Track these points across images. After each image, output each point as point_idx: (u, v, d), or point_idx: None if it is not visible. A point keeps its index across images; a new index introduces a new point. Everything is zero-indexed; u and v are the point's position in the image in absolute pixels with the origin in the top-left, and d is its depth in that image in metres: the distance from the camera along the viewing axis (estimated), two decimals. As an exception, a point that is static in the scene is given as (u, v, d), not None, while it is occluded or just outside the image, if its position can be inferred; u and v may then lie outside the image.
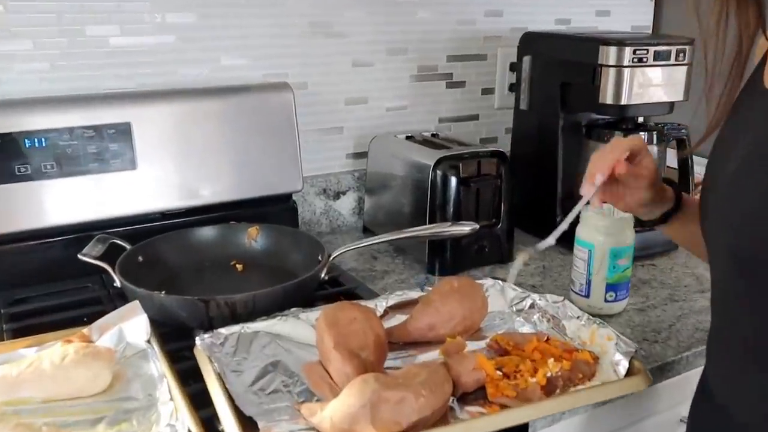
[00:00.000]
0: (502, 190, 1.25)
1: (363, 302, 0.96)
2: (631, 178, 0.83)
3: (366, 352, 0.80)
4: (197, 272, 1.13)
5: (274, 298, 0.95)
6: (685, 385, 1.07)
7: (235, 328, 0.89)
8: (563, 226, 0.86)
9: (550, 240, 0.88)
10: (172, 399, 0.76)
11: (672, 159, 1.40)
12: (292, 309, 0.94)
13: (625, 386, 0.78)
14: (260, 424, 0.71)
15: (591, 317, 0.90)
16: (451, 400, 0.76)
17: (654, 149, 1.30)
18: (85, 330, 0.87)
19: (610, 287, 1.05)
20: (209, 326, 0.92)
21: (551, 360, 0.79)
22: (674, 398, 0.98)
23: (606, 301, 1.06)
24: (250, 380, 0.80)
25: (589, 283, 1.06)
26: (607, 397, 0.77)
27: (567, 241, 1.24)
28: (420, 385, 0.71)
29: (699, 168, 1.18)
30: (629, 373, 0.80)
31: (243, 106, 1.23)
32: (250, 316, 0.92)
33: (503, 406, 0.76)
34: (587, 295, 1.07)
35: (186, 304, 0.92)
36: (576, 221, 0.96)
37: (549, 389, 0.78)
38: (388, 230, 1.22)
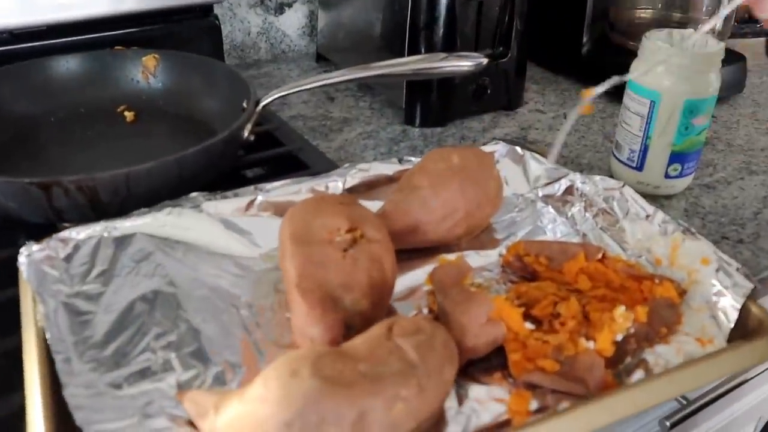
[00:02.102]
0: (515, 4, 0.86)
1: (315, 180, 0.61)
2: None
3: (354, 295, 0.46)
4: (64, 126, 0.75)
5: (164, 175, 0.59)
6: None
7: (93, 229, 0.54)
8: None
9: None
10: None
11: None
12: (192, 194, 0.58)
13: (747, 356, 0.45)
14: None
15: (668, 218, 0.56)
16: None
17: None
18: None
19: (676, 157, 0.71)
20: (55, 223, 0.57)
21: (620, 308, 0.46)
22: None
23: (667, 176, 0.72)
24: (103, 332, 0.47)
25: (645, 149, 0.71)
26: (714, 378, 0.45)
27: (600, 79, 0.88)
28: (396, 378, 0.38)
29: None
30: (738, 323, 0.48)
31: None
32: (125, 208, 0.56)
33: (535, 387, 0.44)
34: (639, 167, 0.73)
35: (13, 189, 0.56)
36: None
37: (613, 359, 0.46)
38: (350, 58, 0.85)
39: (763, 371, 0.75)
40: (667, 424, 0.65)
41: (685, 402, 0.68)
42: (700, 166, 0.80)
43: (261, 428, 0.36)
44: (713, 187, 0.77)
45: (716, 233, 0.69)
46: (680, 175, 0.72)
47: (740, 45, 1.13)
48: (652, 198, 0.73)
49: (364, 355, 0.39)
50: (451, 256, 0.53)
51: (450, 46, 0.83)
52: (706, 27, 0.64)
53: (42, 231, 0.53)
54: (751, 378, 0.73)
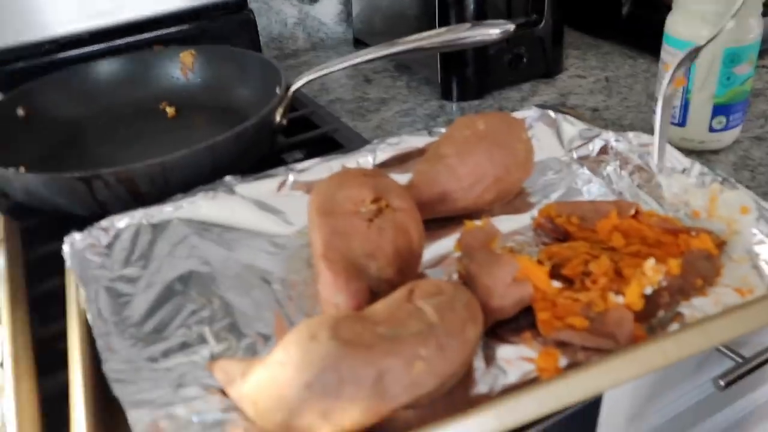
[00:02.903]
0: (547, -30, 0.84)
1: (346, 157, 0.62)
2: None
3: (379, 263, 0.47)
4: (109, 126, 0.78)
5: (197, 163, 0.61)
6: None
7: (132, 218, 0.56)
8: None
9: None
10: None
11: None
12: (226, 178, 0.60)
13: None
14: (131, 416, 0.39)
15: (705, 169, 0.54)
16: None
17: None
18: None
19: (720, 109, 0.68)
20: (103, 215, 0.60)
21: (650, 261, 0.45)
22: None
23: (712, 130, 0.69)
24: (141, 311, 0.48)
25: (686, 104, 0.69)
26: (750, 327, 0.43)
27: (643, 39, 0.86)
28: (415, 338, 0.38)
29: None
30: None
31: None
32: (164, 197, 0.59)
33: (564, 346, 0.44)
34: (682, 123, 0.70)
35: (58, 185, 0.59)
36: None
37: (645, 313, 0.44)
38: (387, 40, 0.85)
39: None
40: (722, 383, 0.63)
41: (741, 360, 0.66)
42: (750, 118, 0.76)
43: (283, 391, 0.37)
44: (764, 138, 0.73)
45: (767, 185, 0.66)
46: (726, 128, 0.69)
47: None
48: (698, 154, 0.70)
49: (384, 317, 0.40)
50: (478, 222, 0.53)
51: (480, 17, 0.82)
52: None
53: (91, 223, 0.55)
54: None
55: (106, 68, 0.81)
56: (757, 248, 0.48)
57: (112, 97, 0.80)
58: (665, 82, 0.57)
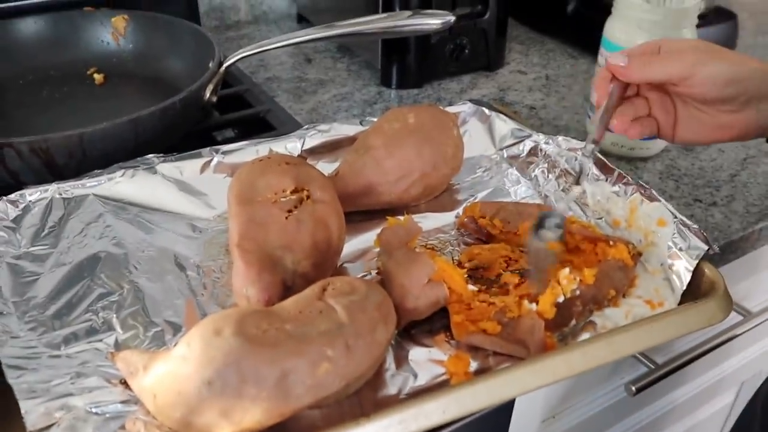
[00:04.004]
0: (494, -38, 0.84)
1: (274, 141, 0.61)
2: None
3: (295, 255, 0.46)
4: (32, 89, 0.75)
5: (119, 137, 0.58)
6: (753, 267, 0.76)
7: (45, 191, 0.54)
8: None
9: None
10: None
11: None
12: (148, 156, 0.58)
13: (692, 318, 0.44)
14: (23, 406, 0.38)
15: (629, 180, 0.55)
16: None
17: None
18: None
19: (651, 117, 0.69)
20: (16, 186, 0.57)
21: (565, 271, 0.45)
22: (737, 290, 0.66)
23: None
24: (46, 293, 0.46)
25: (618, 109, 0.69)
26: (655, 342, 0.44)
27: (586, 39, 0.86)
28: (323, 338, 0.38)
29: None
30: (693, 285, 0.47)
31: None
32: (82, 171, 0.56)
33: (476, 350, 0.44)
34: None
35: (-34, 150, 0.56)
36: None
37: (557, 322, 0.45)
38: (330, 20, 0.83)
39: (741, 334, 0.74)
40: (633, 389, 0.64)
41: (653, 366, 0.68)
42: (679, 128, 0.78)
43: (182, 386, 0.36)
44: (691, 149, 0.75)
45: (689, 196, 0.67)
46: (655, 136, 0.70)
47: (737, 2, 1.09)
48: (627, 160, 0.72)
49: (293, 314, 0.39)
50: (401, 218, 0.52)
51: (425, 5, 0.81)
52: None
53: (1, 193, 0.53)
54: (723, 342, 0.72)
55: (31, 26, 0.77)
56: (670, 261, 0.49)
57: (37, 59, 0.76)
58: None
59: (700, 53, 0.48)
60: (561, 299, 0.44)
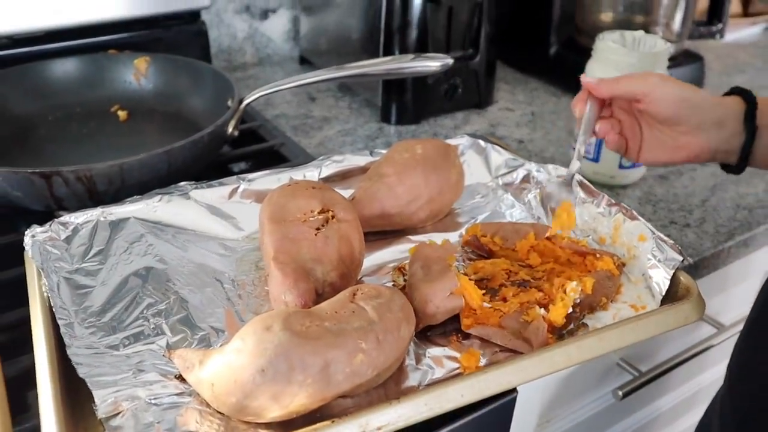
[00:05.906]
0: (483, 9, 0.92)
1: (294, 170, 0.67)
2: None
3: (324, 267, 0.52)
4: (61, 124, 0.81)
5: (154, 167, 0.65)
6: (724, 283, 0.83)
7: (91, 214, 0.59)
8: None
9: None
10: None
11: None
12: (181, 183, 0.64)
13: (670, 318, 0.51)
14: (96, 396, 0.43)
15: (613, 202, 0.62)
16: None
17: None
18: None
19: (629, 149, 0.77)
20: (57, 211, 0.63)
21: (571, 284, 0.52)
22: (711, 304, 0.74)
23: (621, 167, 0.78)
24: (101, 302, 0.52)
25: (599, 142, 0.77)
26: (639, 337, 0.51)
27: (567, 79, 0.94)
28: (357, 333, 0.44)
29: None
30: (671, 292, 0.54)
31: None
32: (119, 197, 0.62)
33: (485, 347, 0.50)
34: (596, 159, 0.79)
35: (18, 179, 0.62)
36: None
37: (560, 326, 0.51)
38: (331, 61, 0.90)
39: (716, 345, 0.81)
40: (620, 393, 0.71)
41: (638, 374, 0.74)
42: (654, 158, 0.86)
43: (238, 375, 0.42)
44: (666, 177, 0.83)
45: (665, 218, 0.75)
46: (633, 166, 0.78)
47: (704, 47, 1.19)
48: (608, 188, 0.79)
49: (330, 314, 0.45)
50: (415, 238, 0.59)
51: (422, 48, 0.89)
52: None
53: (42, 219, 0.58)
54: (699, 353, 0.79)
55: (61, 67, 0.84)
56: (650, 271, 0.56)
57: (65, 97, 0.83)
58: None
59: (660, 77, 0.58)
60: (570, 310, 0.51)
